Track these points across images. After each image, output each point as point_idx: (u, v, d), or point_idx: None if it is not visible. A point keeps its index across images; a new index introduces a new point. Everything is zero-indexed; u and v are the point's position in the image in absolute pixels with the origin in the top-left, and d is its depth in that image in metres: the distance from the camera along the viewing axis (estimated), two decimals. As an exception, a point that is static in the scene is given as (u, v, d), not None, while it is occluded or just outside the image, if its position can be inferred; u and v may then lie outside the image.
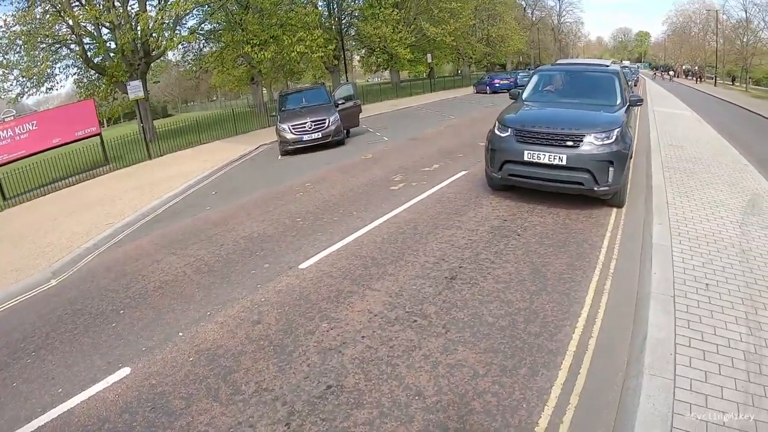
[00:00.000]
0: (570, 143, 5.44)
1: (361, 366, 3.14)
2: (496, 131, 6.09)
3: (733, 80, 44.27)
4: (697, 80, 45.54)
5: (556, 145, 5.50)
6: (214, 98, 67.09)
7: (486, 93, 30.07)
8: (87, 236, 7.17)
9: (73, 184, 12.54)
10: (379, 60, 36.21)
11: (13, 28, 17.46)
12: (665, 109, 17.17)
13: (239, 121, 19.37)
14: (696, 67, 50.67)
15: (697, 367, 2.80)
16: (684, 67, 56.08)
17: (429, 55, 34.03)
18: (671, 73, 52.45)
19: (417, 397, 2.79)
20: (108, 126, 38.33)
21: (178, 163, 13.56)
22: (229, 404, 2.93)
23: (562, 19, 70.77)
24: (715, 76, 43.18)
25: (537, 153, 5.57)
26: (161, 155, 15.53)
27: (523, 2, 60.59)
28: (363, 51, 37.84)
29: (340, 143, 12.79)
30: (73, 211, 9.16)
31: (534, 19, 63.37)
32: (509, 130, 5.91)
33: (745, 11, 39.53)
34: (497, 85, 30.05)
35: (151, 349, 3.72)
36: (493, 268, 4.38)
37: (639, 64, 65.66)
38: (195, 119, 18.48)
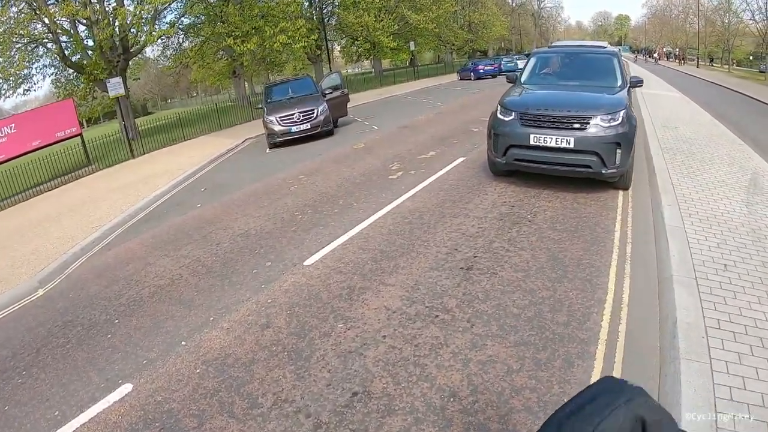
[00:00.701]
0: (577, 126, 5.30)
1: (387, 368, 2.92)
2: (499, 115, 5.91)
3: (711, 61, 44.89)
4: (680, 62, 46.03)
5: (562, 128, 5.36)
6: (195, 94, 65.83)
7: (471, 79, 29.94)
8: (73, 240, 6.80)
9: (56, 187, 12.03)
10: (360, 49, 35.73)
11: (-13, 30, 16.63)
12: (653, 90, 17.17)
13: (222, 116, 18.93)
14: (677, 50, 51.15)
15: (730, 349, 2.75)
16: (665, 50, 56.55)
17: (412, 43, 33.68)
18: (656, 55, 52.82)
19: (452, 399, 2.60)
20: (88, 126, 37.26)
21: (162, 160, 13.11)
22: (246, 420, 2.67)
23: (542, 4, 70.84)
24: (698, 58, 43.68)
25: (543, 136, 5.41)
26: (145, 153, 15.05)
27: (502, -13, 60.32)
28: (344, 40, 37.24)
29: (329, 134, 12.49)
30: (57, 215, 8.74)
31: (514, 4, 63.20)
32: (512, 113, 5.73)
33: (727, -8, 39.92)
34: (481, 71, 30.07)
35: (152, 361, 3.43)
36: (509, 256, 4.21)
37: (619, 48, 66.00)
38: (177, 115, 17.92)
